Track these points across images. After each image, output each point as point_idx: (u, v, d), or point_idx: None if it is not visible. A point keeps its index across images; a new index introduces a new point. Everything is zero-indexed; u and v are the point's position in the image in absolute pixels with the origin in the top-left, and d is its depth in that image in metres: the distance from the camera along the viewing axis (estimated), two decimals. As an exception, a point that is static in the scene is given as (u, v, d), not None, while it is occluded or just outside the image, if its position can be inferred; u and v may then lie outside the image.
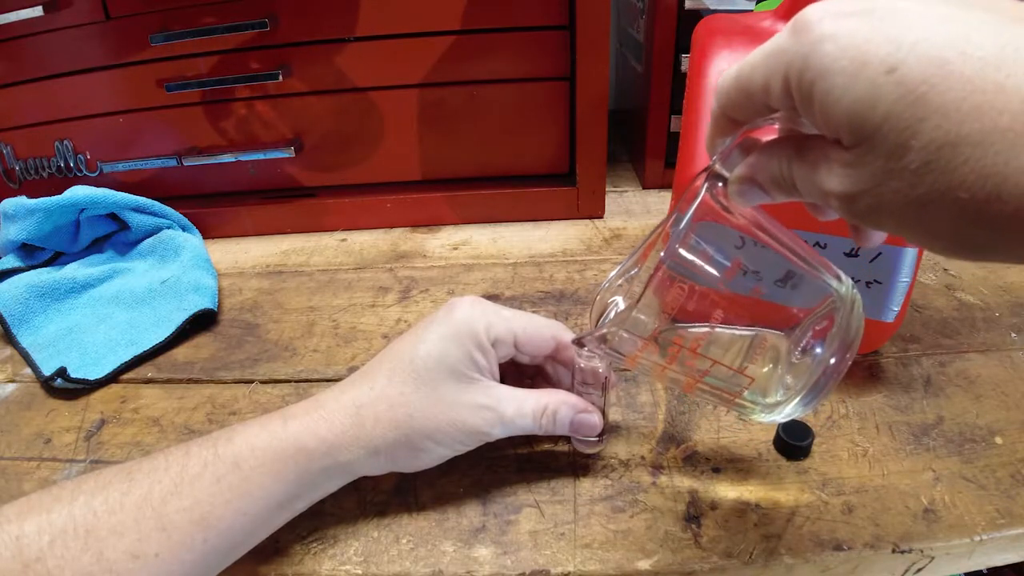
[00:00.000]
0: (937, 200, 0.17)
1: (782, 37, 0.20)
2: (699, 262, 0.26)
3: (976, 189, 0.16)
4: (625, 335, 0.28)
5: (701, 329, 0.28)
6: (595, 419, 0.35)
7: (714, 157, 0.25)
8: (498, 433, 0.33)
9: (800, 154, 0.21)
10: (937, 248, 0.19)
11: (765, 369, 0.29)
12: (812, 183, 0.20)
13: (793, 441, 0.36)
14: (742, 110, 0.23)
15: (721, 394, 0.30)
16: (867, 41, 0.17)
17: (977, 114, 0.16)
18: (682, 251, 0.26)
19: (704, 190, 0.25)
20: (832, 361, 0.27)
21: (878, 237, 0.25)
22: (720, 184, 0.25)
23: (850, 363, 0.27)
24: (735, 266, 0.27)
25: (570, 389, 0.36)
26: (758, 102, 0.22)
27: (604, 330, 0.29)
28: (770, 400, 0.29)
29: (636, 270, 0.33)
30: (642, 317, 0.28)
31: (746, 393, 0.29)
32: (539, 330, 0.35)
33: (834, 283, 0.28)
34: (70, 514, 0.26)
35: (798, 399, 0.28)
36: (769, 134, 0.24)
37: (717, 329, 0.28)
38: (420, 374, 0.32)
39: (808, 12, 0.19)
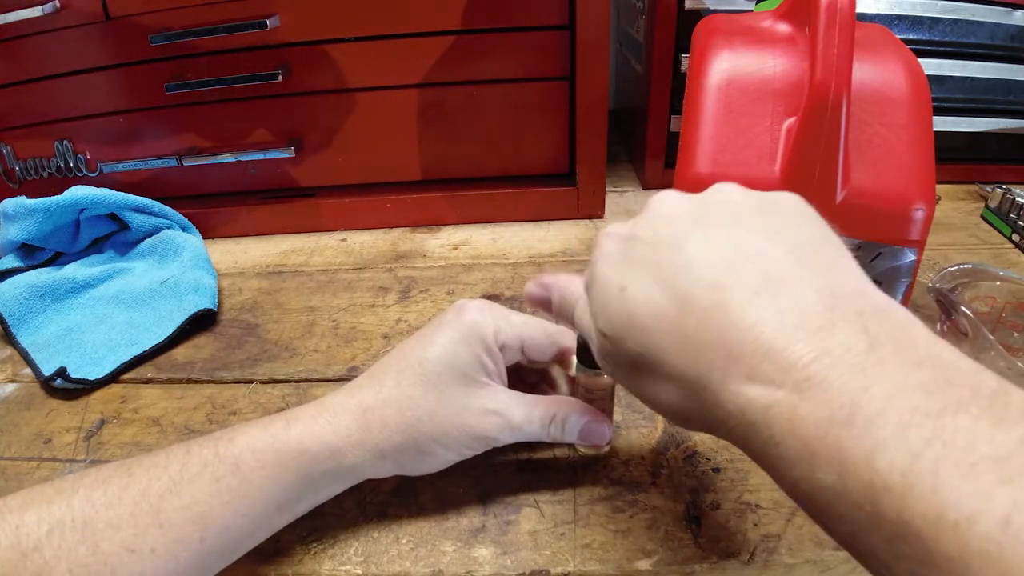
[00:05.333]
0: (637, 380, 0.24)
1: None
2: None
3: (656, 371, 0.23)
4: None
5: None
6: (605, 428, 0.34)
7: None
8: (505, 439, 0.33)
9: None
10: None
11: None
12: (588, 327, 0.27)
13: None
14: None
15: None
16: (617, 263, 0.24)
17: (655, 343, 0.22)
18: None
19: None
20: None
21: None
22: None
23: None
24: None
25: (572, 394, 0.36)
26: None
27: None
28: None
29: None
30: None
31: None
32: (546, 336, 0.35)
33: None
34: (69, 506, 0.27)
35: None
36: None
37: None
38: (429, 377, 0.32)
39: (603, 231, 0.27)
